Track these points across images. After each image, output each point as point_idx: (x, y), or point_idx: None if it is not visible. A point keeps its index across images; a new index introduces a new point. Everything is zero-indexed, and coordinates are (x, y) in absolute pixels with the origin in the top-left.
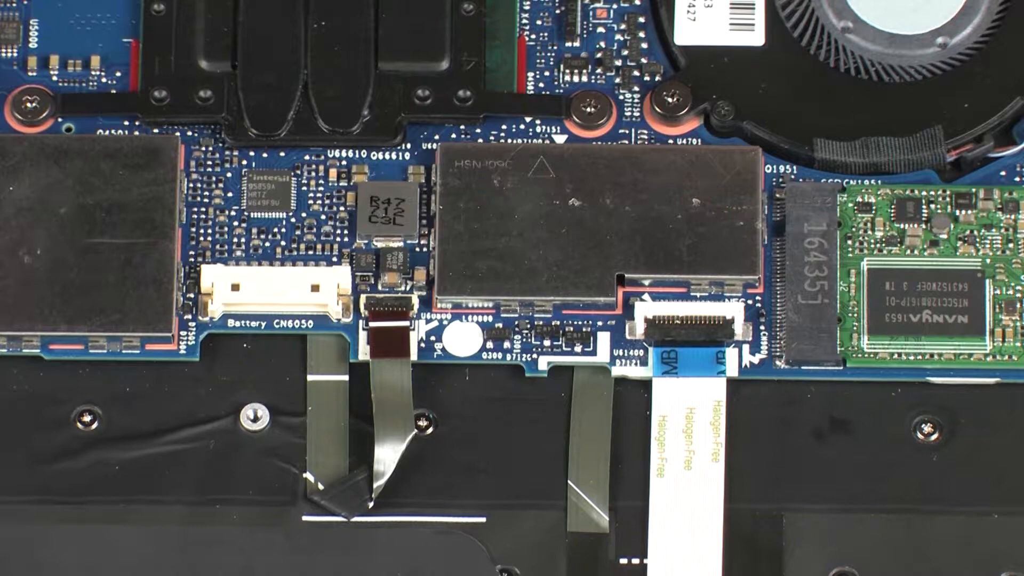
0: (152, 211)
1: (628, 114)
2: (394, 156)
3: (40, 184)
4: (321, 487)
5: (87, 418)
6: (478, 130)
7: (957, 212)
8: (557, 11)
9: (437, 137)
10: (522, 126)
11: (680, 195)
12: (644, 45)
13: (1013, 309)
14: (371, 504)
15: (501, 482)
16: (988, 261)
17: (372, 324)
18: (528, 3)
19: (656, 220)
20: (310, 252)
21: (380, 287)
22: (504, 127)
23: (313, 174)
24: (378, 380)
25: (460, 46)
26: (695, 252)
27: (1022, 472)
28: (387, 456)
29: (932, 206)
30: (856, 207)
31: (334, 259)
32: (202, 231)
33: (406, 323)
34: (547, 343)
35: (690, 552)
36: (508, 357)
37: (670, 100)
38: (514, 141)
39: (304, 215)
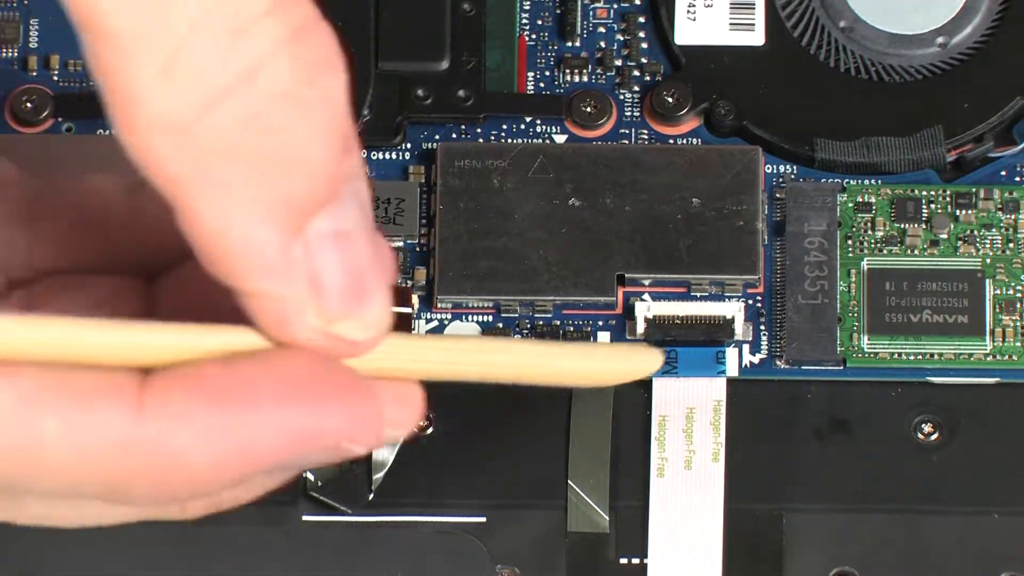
0: None
1: (628, 114)
2: (394, 156)
3: None
4: (320, 485)
5: None
6: (478, 130)
7: (957, 212)
8: (557, 11)
9: (437, 137)
10: (522, 126)
11: (680, 195)
12: (644, 45)
13: (1013, 309)
14: (371, 496)
15: (501, 482)
16: (988, 261)
17: None
18: (528, 3)
19: (656, 220)
20: None
21: None
22: (504, 127)
23: None
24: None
25: (460, 46)
26: (695, 252)
27: (1022, 472)
28: (384, 447)
29: (932, 206)
30: (856, 207)
31: None
32: None
33: (409, 309)
34: None
35: (690, 552)
36: None
37: (670, 100)
38: (514, 141)
39: None
